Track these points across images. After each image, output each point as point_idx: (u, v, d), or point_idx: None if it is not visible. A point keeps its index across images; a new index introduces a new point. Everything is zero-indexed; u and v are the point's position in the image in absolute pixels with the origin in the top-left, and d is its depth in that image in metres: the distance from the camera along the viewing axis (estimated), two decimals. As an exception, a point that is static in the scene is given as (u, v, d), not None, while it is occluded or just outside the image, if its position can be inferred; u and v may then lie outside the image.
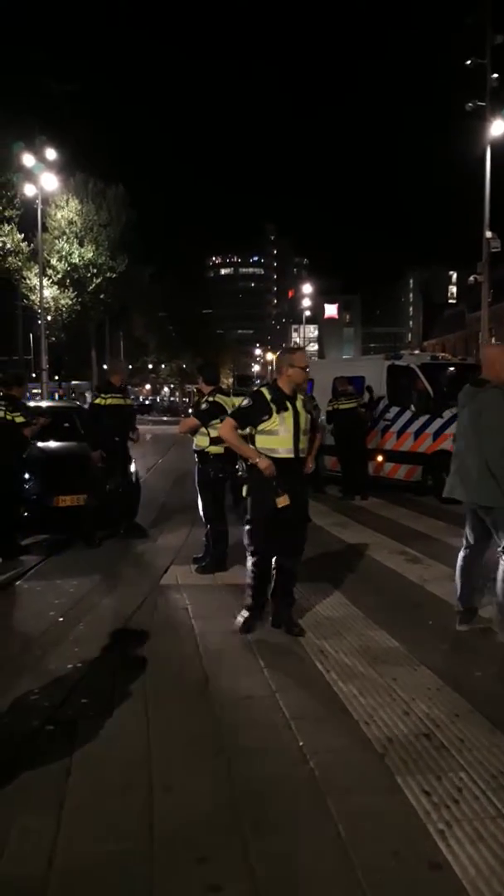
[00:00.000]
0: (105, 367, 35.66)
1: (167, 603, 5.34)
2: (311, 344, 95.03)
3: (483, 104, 20.63)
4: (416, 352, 21.29)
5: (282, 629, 4.63)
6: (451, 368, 12.55)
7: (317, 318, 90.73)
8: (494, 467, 4.21)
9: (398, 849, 2.41)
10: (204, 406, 6.22)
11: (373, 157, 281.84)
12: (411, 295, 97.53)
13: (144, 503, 8.76)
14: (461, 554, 4.70)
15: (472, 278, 22.90)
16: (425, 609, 5.25)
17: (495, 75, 20.48)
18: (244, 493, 4.58)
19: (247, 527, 4.59)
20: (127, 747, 3.11)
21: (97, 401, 7.75)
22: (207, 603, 5.33)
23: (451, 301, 73.86)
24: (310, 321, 78.91)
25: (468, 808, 2.65)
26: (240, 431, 4.49)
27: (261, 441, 4.44)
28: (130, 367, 50.43)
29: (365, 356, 28.58)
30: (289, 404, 4.41)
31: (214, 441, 6.16)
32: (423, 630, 4.75)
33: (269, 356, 76.67)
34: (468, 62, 20.53)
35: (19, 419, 6.76)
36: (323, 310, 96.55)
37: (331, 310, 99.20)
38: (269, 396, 4.42)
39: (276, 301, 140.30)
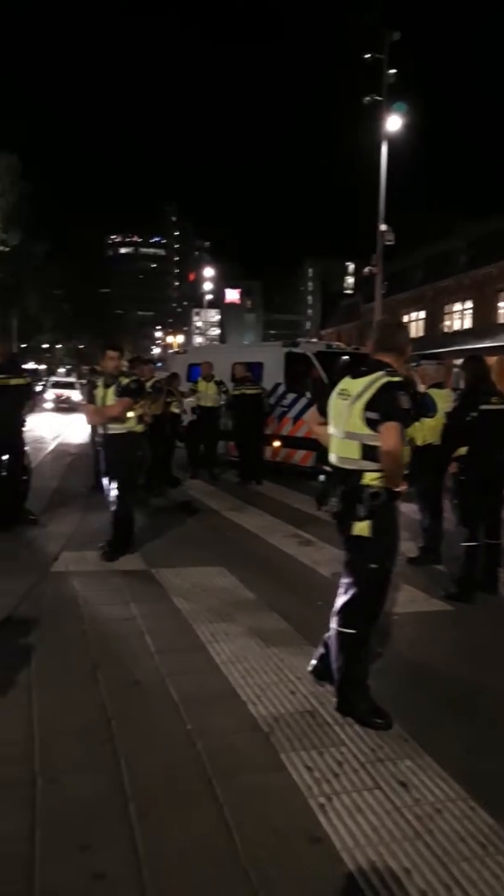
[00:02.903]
0: None
1: (57, 590, 5.20)
2: (213, 328, 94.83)
3: (381, 99, 21.16)
4: (313, 340, 21.72)
5: None
6: (345, 357, 12.86)
7: (218, 302, 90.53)
8: None
9: (280, 825, 2.48)
10: (134, 385, 6.21)
11: (277, 145, 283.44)
12: (310, 284, 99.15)
13: (36, 489, 8.47)
14: None
15: (366, 270, 23.57)
16: (316, 591, 5.39)
17: (392, 71, 21.05)
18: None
19: None
20: (9, 739, 3.02)
21: None
22: (98, 590, 5.24)
23: (347, 291, 75.63)
24: (211, 305, 78.57)
25: (347, 781, 2.77)
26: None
27: None
28: (24, 346, 48.40)
29: (265, 343, 28.87)
30: None
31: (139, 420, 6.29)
32: (312, 612, 4.87)
33: (170, 339, 75.90)
34: (367, 56, 20.97)
35: None
36: (224, 294, 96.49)
37: (232, 295, 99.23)
38: None
39: (177, 283, 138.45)
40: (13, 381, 7.21)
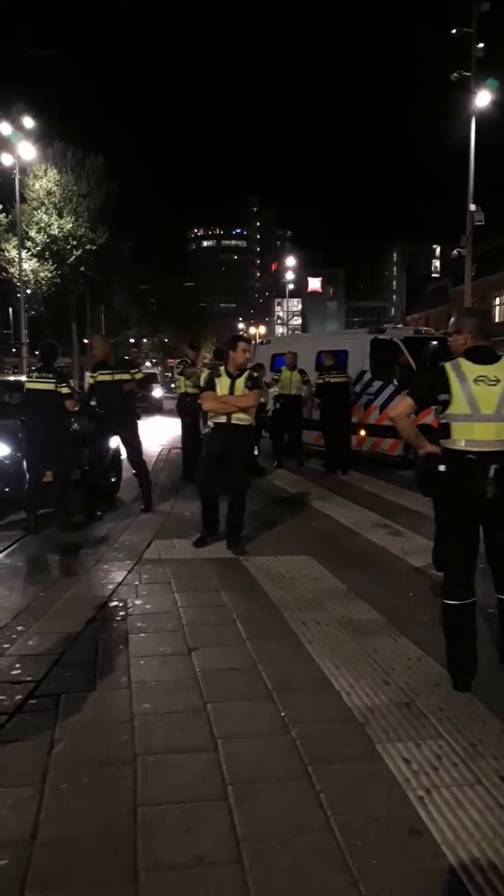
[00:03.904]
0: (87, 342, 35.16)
1: (150, 577, 5.34)
2: (295, 318, 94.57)
3: (468, 74, 20.39)
4: (400, 326, 21.27)
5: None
6: (434, 342, 12.56)
7: (300, 291, 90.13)
8: None
9: (378, 816, 2.45)
10: (256, 375, 6.37)
11: (358, 128, 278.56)
12: (395, 269, 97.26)
13: (127, 480, 8.72)
14: None
15: (455, 252, 22.84)
16: (406, 581, 5.31)
17: (481, 45, 20.22)
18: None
19: None
20: (110, 720, 3.12)
21: (88, 380, 7.77)
22: (189, 577, 5.34)
23: (434, 275, 73.78)
24: (293, 295, 78.40)
25: (447, 775, 2.70)
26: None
27: None
28: (112, 341, 49.77)
29: (349, 330, 28.52)
30: None
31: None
32: (403, 602, 4.81)
33: (252, 330, 76.19)
34: (454, 31, 20.24)
35: (65, 390, 6.81)
36: (306, 283, 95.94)
37: (314, 283, 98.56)
38: None
39: (258, 274, 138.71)
40: (117, 377, 7.47)
